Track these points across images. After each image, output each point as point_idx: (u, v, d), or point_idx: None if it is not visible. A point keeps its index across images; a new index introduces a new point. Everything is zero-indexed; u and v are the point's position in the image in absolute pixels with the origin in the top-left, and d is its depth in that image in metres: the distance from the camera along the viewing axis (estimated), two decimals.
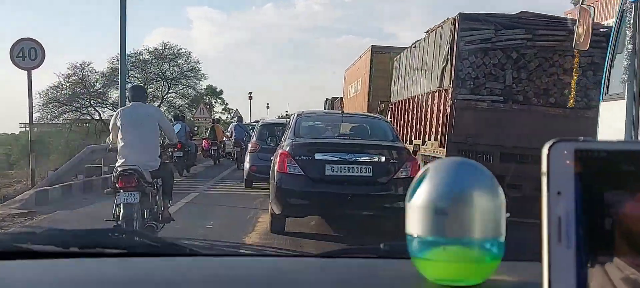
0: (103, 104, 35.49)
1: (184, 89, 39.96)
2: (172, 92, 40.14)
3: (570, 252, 0.51)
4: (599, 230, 0.51)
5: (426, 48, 9.42)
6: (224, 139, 19.01)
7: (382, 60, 15.37)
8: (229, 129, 20.15)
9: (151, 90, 37.90)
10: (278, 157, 6.36)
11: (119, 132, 5.18)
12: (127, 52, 36.74)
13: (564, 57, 7.65)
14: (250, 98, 52.99)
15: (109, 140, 5.63)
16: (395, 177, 6.14)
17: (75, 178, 11.12)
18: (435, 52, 8.67)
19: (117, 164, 5.12)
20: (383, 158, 6.24)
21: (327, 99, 35.18)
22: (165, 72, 38.26)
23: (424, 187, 0.70)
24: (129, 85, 9.03)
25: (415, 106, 10.13)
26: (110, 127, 5.61)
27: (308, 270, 0.91)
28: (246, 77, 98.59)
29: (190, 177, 13.34)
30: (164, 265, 0.93)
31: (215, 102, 49.86)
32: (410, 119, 10.57)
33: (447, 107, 7.86)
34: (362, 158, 6.21)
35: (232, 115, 34.08)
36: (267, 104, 57.00)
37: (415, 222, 0.71)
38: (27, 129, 43.15)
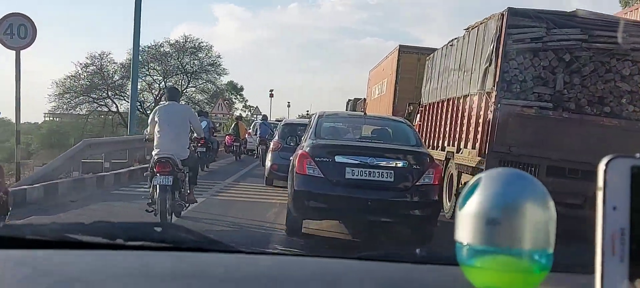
0: (121, 96, 35.50)
1: (204, 84, 39.80)
2: (191, 87, 40.00)
3: (624, 266, 0.54)
4: None
5: (466, 46, 8.99)
6: (247, 136, 20.01)
7: (410, 60, 15.17)
8: (252, 127, 21.69)
9: (170, 83, 37.89)
10: (297, 158, 6.39)
11: (157, 126, 6.28)
12: (147, 44, 36.84)
13: (622, 61, 7.10)
14: (272, 96, 53.00)
15: (147, 132, 6.75)
16: (417, 183, 6.13)
17: (69, 175, 10.16)
18: (477, 51, 8.27)
19: (154, 153, 6.24)
20: (405, 164, 6.24)
21: (349, 100, 34.78)
22: (185, 66, 38.29)
23: (476, 196, 0.75)
24: (167, 86, 12.61)
25: (450, 110, 9.64)
26: (149, 121, 6.79)
27: (348, 272, 0.95)
28: (268, 76, 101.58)
29: (212, 172, 13.88)
30: (211, 261, 0.98)
31: (236, 99, 49.83)
32: (443, 123, 10.08)
33: (489, 112, 7.41)
34: (384, 162, 6.19)
35: (252, 112, 33.84)
36: (288, 102, 57.13)
37: (466, 230, 0.75)
38: (50, 118, 43.16)
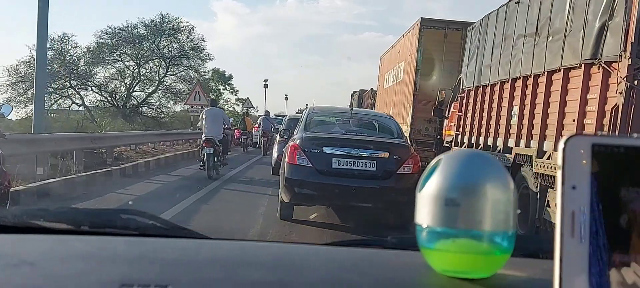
0: (87, 86, 33.10)
1: (186, 71, 37.29)
2: (170, 74, 37.31)
3: (583, 247, 0.55)
4: (614, 226, 0.55)
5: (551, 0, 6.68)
6: (253, 130, 24.24)
7: (435, 37, 13.12)
8: (257, 121, 26.06)
9: (145, 71, 35.46)
10: (288, 149, 7.27)
11: (204, 121, 11.77)
12: (119, 25, 34.51)
13: None
14: (266, 86, 51.37)
15: (198, 126, 12.76)
16: (397, 172, 6.95)
17: None
18: (577, 2, 6.00)
19: (203, 135, 11.70)
20: (387, 155, 7.02)
21: (354, 92, 33.70)
22: (162, 50, 35.63)
23: (435, 177, 0.77)
24: (210, 99, 17.10)
25: (521, 93, 7.41)
26: (199, 118, 12.48)
27: (315, 257, 0.99)
28: (265, 70, 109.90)
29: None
30: (172, 246, 1.02)
31: (224, 89, 47.34)
32: (507, 112, 7.88)
33: (616, 92, 5.12)
34: (367, 153, 6.98)
35: (242, 105, 32.35)
36: (286, 95, 57.71)
37: (425, 212, 0.77)
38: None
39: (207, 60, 38.28)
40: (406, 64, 14.72)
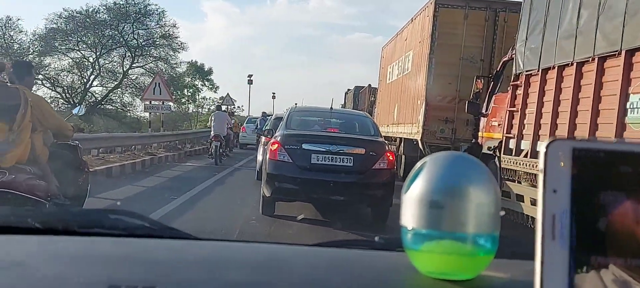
0: (36, 78, 32.59)
1: (155, 63, 36.93)
2: (137, 66, 36.91)
3: (564, 251, 0.63)
4: (594, 230, 0.64)
5: None
6: (240, 131, 27.23)
7: (453, 18, 12.40)
8: (246, 122, 29.90)
9: (106, 62, 35.31)
10: (270, 146, 8.39)
11: (213, 122, 18.68)
12: (77, 8, 34.08)
13: None
14: (250, 82, 51.51)
15: (208, 125, 22.93)
16: (373, 168, 8.14)
17: None
18: None
19: (211, 133, 18.57)
20: (363, 151, 8.23)
21: (348, 90, 33.89)
22: (126, 37, 34.40)
23: (420, 180, 0.87)
24: (216, 104, 25.19)
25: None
26: (209, 119, 21.99)
27: (302, 258, 1.10)
28: (255, 71, 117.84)
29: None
30: (160, 246, 1.15)
31: (203, 85, 46.89)
32: (622, 103, 6.08)
33: None
34: (345, 149, 8.19)
35: (223, 101, 32.55)
36: (273, 93, 59.97)
37: (410, 214, 0.88)
38: None
39: (180, 50, 37.56)
40: (416, 52, 14.02)
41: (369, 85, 26.73)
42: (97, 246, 1.12)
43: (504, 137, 8.74)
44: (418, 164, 0.90)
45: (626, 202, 0.64)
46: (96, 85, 35.41)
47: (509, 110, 8.69)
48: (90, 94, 35.17)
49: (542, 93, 7.80)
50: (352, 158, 8.14)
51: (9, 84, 5.33)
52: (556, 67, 7.42)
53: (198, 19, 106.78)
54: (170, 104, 23.25)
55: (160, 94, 20.54)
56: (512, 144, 8.48)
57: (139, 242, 1.18)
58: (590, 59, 6.62)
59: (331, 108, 10.15)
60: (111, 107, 35.93)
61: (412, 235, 0.88)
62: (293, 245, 1.28)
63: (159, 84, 20.96)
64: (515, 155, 8.21)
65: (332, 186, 8.01)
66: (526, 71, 8.35)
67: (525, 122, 8.21)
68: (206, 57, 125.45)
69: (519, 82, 8.61)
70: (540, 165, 0.64)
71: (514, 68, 8.86)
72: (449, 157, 0.89)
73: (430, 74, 12.71)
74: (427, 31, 12.92)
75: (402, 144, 15.23)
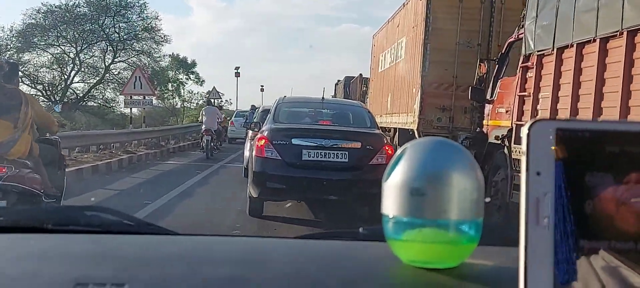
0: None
1: (137, 57, 36.85)
2: (120, 60, 36.84)
3: (548, 234, 0.63)
4: (580, 212, 0.64)
5: None
6: (228, 125, 27.46)
7: (448, 1, 12.24)
8: (234, 116, 30.96)
9: (86, 57, 35.10)
10: (256, 141, 7.97)
11: (204, 117, 20.04)
12: (56, 3, 33.92)
13: None
14: (238, 75, 51.52)
15: (199, 120, 23.01)
16: (370, 163, 7.75)
17: None
18: None
19: (202, 127, 20.02)
20: (359, 145, 7.88)
21: (338, 81, 33.94)
22: (107, 31, 34.67)
23: (400, 166, 0.87)
24: (206, 98, 28.62)
25: None
26: (200, 114, 22.36)
27: (282, 251, 1.10)
28: (242, 64, 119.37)
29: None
30: (134, 242, 1.15)
31: (187, 79, 46.81)
32: None
33: None
34: (339, 144, 7.83)
35: (210, 95, 32.54)
36: (261, 86, 60.14)
37: (391, 202, 0.88)
38: None
39: (163, 43, 37.69)
40: (409, 38, 13.91)
41: (360, 74, 26.65)
42: (69, 243, 1.12)
43: (514, 125, 8.19)
44: (398, 151, 0.89)
45: (613, 183, 0.63)
46: (77, 81, 35.29)
47: (519, 95, 8.13)
48: (71, 91, 34.97)
49: (558, 74, 7.22)
50: (347, 153, 7.82)
51: (7, 85, 5.90)
52: (575, 45, 6.82)
53: (184, 13, 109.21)
54: (153, 98, 22.83)
55: (141, 88, 20.10)
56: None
57: (113, 238, 1.18)
58: (618, 33, 6.03)
59: (323, 98, 9.79)
60: (94, 104, 35.69)
61: (394, 224, 0.88)
62: (274, 238, 1.28)
63: (140, 77, 20.49)
64: None
65: (326, 185, 7.66)
66: (538, 51, 7.74)
67: (538, 108, 7.64)
68: (194, 52, 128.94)
69: (529, 63, 8.03)
70: (523, 146, 0.64)
71: (523, 48, 8.24)
72: (429, 142, 0.89)
73: (425, 60, 12.54)
74: (420, 16, 12.72)
75: (397, 134, 15.14)
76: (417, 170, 0.86)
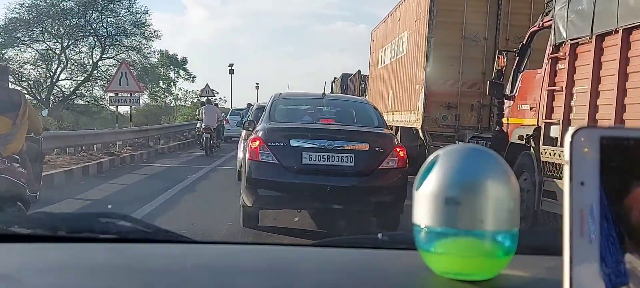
0: None
1: (126, 53, 36.80)
2: (108, 57, 36.76)
3: (594, 247, 0.63)
4: (625, 224, 0.63)
5: None
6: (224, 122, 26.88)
7: None
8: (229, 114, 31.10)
9: (73, 54, 35.05)
10: (250, 143, 7.35)
11: (203, 115, 20.99)
12: None
13: None
14: (232, 72, 51.54)
15: (198, 118, 22.80)
16: (379, 168, 7.17)
17: None
18: None
19: (202, 125, 21.05)
20: (366, 147, 7.27)
21: (335, 78, 33.90)
22: (94, 26, 33.92)
23: (433, 174, 0.87)
24: (206, 98, 27.34)
25: None
26: (200, 112, 22.34)
27: (306, 260, 1.12)
28: (238, 62, 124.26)
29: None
30: (157, 252, 1.16)
31: (178, 76, 46.82)
32: None
33: None
34: (344, 146, 7.25)
35: (202, 93, 32.58)
36: (257, 83, 59.79)
37: (423, 211, 0.87)
38: None
39: (153, 39, 37.27)
40: (411, 32, 13.78)
41: (359, 71, 26.50)
42: (89, 253, 1.12)
43: (543, 124, 7.57)
44: (430, 158, 0.89)
45: None
46: (64, 79, 35.15)
47: (549, 90, 7.52)
48: (57, 88, 34.85)
49: (597, 65, 6.60)
50: (353, 156, 7.20)
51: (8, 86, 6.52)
52: (620, 31, 6.16)
53: (178, 12, 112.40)
54: (140, 96, 22.39)
55: (127, 85, 19.42)
56: (554, 131, 7.30)
57: (132, 248, 1.19)
58: None
59: (324, 93, 9.27)
60: (82, 102, 35.64)
61: (426, 234, 0.87)
62: (297, 247, 1.28)
63: (126, 73, 19.79)
64: (559, 146, 7.00)
65: (330, 192, 7.06)
66: (571, 40, 7.12)
67: (572, 104, 7.02)
68: (188, 50, 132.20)
69: (561, 54, 7.39)
70: (566, 156, 0.64)
71: (552, 37, 7.61)
72: (464, 149, 0.90)
73: (429, 55, 12.24)
74: (423, 9, 12.50)
75: (400, 133, 15.09)
76: (451, 178, 0.85)
